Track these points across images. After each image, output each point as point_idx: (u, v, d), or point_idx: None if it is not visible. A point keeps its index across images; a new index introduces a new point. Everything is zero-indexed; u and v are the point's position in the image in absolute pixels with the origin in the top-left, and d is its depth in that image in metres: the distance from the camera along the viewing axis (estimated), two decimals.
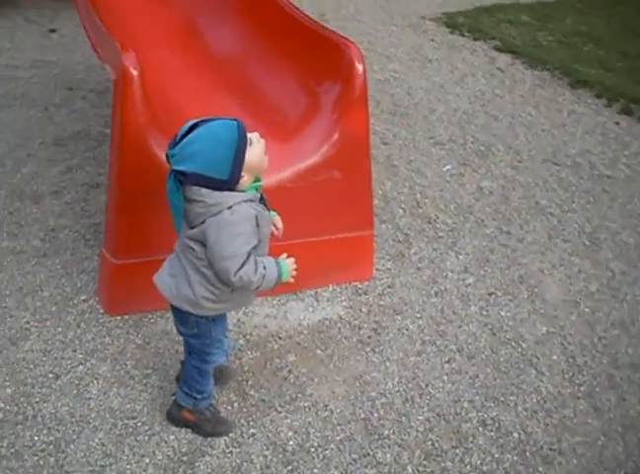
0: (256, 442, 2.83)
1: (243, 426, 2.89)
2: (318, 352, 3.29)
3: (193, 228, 2.46)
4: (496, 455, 2.87)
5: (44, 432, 2.77)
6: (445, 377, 3.20)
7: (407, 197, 4.37)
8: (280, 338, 3.34)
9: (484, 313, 3.57)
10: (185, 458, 2.73)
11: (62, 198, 3.99)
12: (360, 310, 3.53)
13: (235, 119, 2.46)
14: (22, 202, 3.93)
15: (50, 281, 3.45)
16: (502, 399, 3.11)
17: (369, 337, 3.39)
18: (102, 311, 3.31)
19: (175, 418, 2.84)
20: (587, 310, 3.62)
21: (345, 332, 3.41)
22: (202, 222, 2.42)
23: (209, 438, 2.81)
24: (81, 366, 3.06)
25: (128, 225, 3.17)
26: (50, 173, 4.19)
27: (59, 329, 3.22)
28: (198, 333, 2.65)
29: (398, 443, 2.88)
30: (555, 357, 3.35)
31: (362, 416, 2.99)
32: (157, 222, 3.05)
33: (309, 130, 3.40)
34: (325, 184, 3.42)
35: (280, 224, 2.79)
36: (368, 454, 2.82)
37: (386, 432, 2.93)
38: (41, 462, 2.66)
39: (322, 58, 3.45)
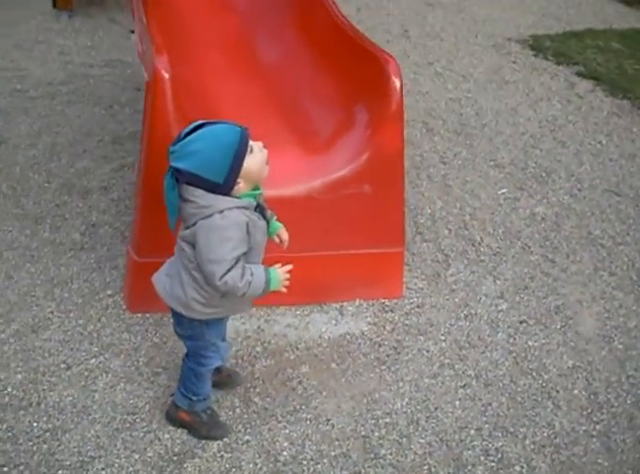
0: (249, 449, 2.82)
1: (239, 431, 2.88)
2: (333, 365, 3.26)
3: (187, 229, 2.48)
4: None
5: (44, 419, 2.84)
6: (457, 402, 3.11)
7: (455, 218, 4.28)
8: (297, 348, 3.32)
9: (511, 341, 3.45)
10: (175, 458, 2.75)
11: (109, 195, 4.10)
12: (384, 327, 3.48)
13: (240, 126, 2.47)
14: (70, 196, 4.07)
15: (82, 275, 3.55)
16: (511, 429, 3.00)
17: (388, 355, 3.33)
18: (124, 308, 3.39)
19: (172, 417, 2.86)
20: (620, 347, 3.45)
21: (364, 348, 3.36)
22: (194, 224, 2.44)
23: (203, 441, 2.82)
24: (94, 359, 3.12)
25: (152, 224, 3.21)
26: (103, 170, 4.31)
27: (80, 321, 3.30)
28: (192, 335, 2.67)
29: (393, 465, 2.82)
30: (576, 392, 3.20)
31: (363, 433, 2.94)
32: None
33: (342, 143, 3.38)
34: (354, 198, 3.39)
35: (284, 236, 2.78)
36: (360, 473, 2.77)
37: (383, 451, 2.86)
38: (35, 448, 2.72)
39: (362, 72, 3.43)
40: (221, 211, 2.39)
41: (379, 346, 3.38)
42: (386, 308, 3.58)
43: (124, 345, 3.21)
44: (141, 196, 3.21)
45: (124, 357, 3.15)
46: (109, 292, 3.45)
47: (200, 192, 2.41)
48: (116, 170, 4.32)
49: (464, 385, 3.20)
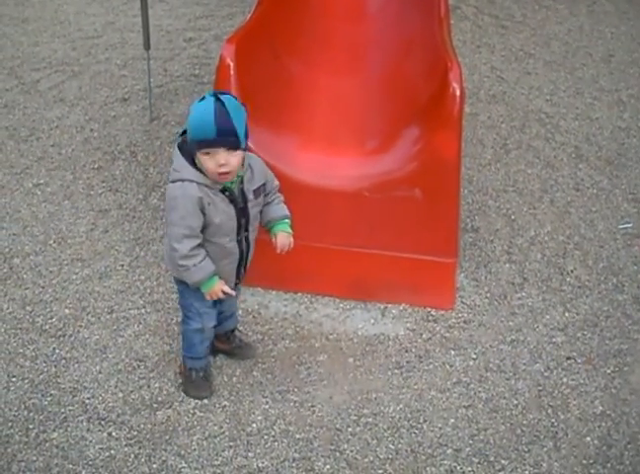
0: (222, 414, 3.00)
1: (223, 396, 3.07)
2: (350, 360, 3.32)
3: None
4: None
5: (66, 349, 3.24)
6: (452, 421, 3.04)
7: (557, 245, 4.06)
8: (327, 338, 3.41)
9: (546, 374, 3.26)
10: (155, 405, 3.01)
11: None
12: (421, 335, 3.45)
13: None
14: None
15: (164, 239, 3.91)
16: (491, 459, 2.88)
17: (409, 362, 3.32)
18: None
19: (179, 367, 3.13)
20: None
21: (390, 350, 3.37)
22: None
23: (187, 397, 3.04)
24: (135, 310, 3.46)
25: None
26: None
27: (142, 277, 3.66)
28: (179, 291, 2.94)
29: (348, 461, 2.84)
30: (588, 439, 2.97)
31: (338, 426, 2.99)
32: None
33: (397, 145, 3.43)
34: (404, 201, 3.41)
35: (281, 242, 2.88)
36: (309, 459, 2.83)
37: (346, 446, 2.90)
38: (45, 369, 3.13)
39: (428, 76, 3.43)
40: (182, 181, 2.60)
41: (406, 351, 3.37)
42: (431, 318, 3.54)
43: (169, 304, 3.50)
44: None
45: (162, 314, 3.45)
46: None
47: (177, 154, 2.64)
48: None
49: (469, 406, 3.11)
